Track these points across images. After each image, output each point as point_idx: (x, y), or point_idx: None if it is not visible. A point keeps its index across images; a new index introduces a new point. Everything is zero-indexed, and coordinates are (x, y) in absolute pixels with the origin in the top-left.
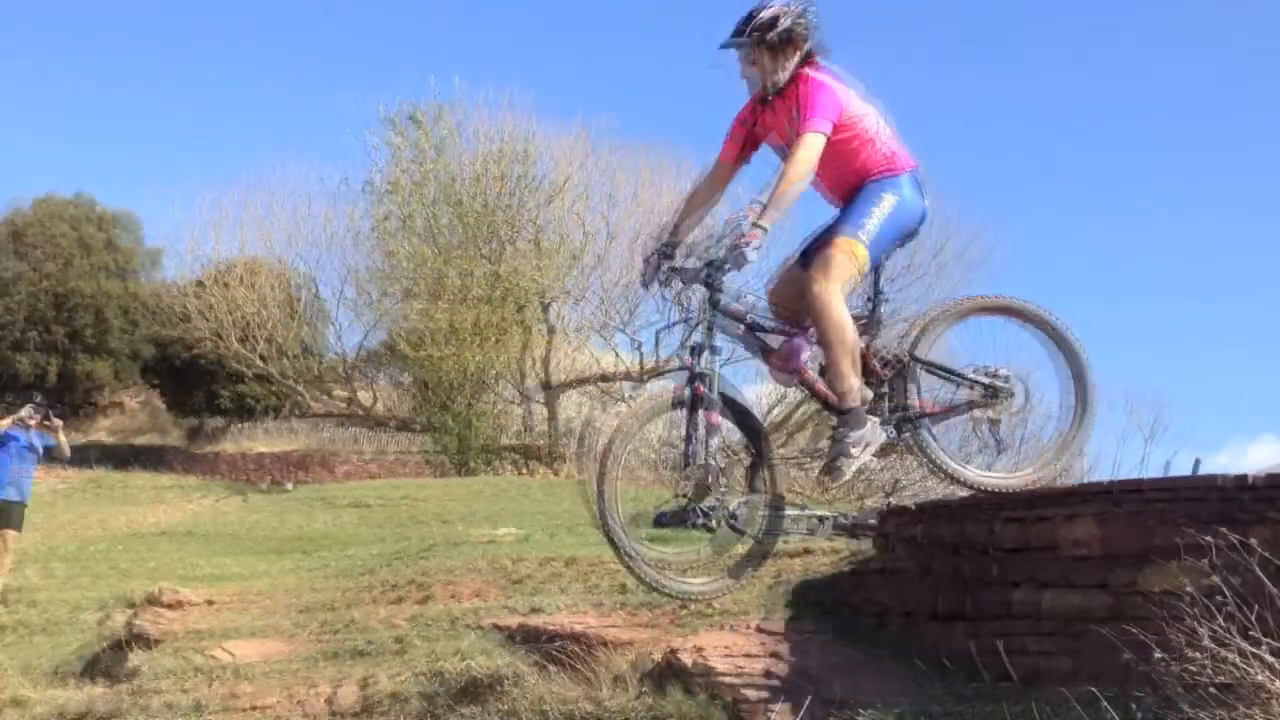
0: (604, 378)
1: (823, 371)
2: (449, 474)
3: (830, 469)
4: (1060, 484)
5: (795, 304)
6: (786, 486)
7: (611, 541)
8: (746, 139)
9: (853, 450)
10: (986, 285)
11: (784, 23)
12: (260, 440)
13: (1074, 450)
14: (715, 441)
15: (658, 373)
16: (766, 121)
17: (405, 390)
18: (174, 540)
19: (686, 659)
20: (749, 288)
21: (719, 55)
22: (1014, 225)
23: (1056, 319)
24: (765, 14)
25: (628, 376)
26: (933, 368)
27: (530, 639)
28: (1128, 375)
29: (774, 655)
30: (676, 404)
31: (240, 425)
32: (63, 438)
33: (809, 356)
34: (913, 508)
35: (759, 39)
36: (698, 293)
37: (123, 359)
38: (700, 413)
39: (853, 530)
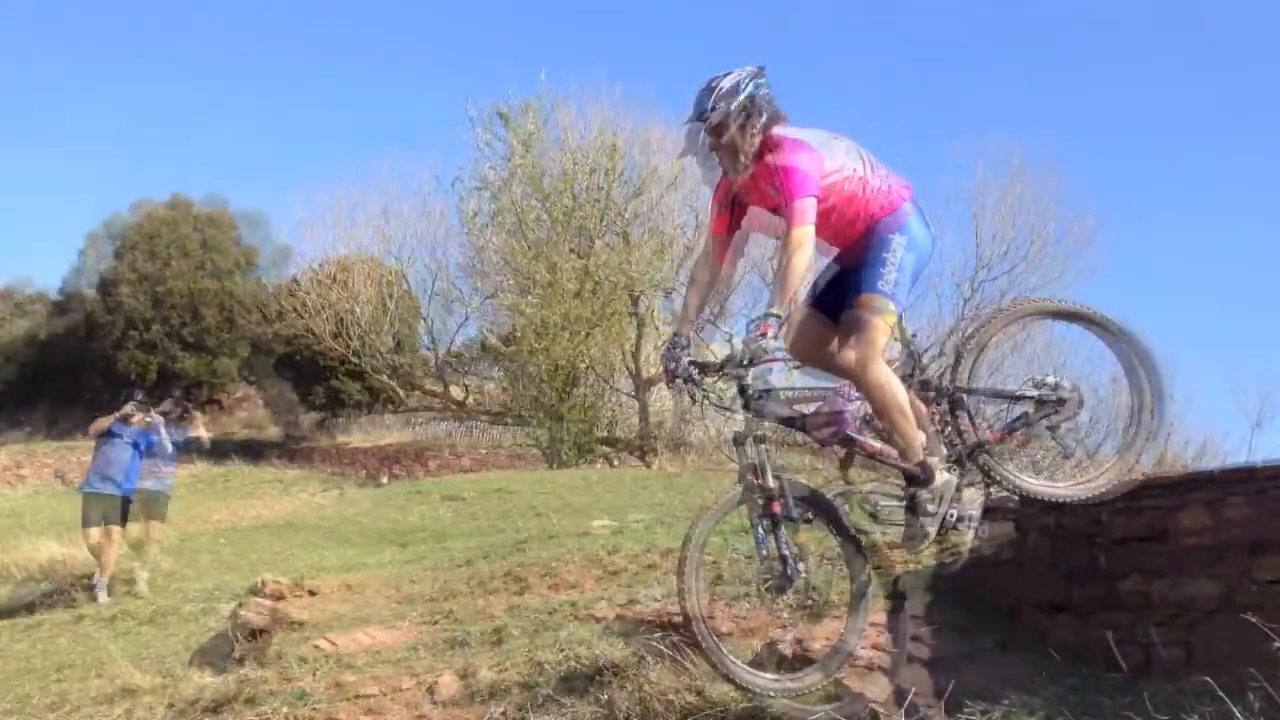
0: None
1: (868, 421)
2: (540, 467)
3: (912, 534)
4: (1169, 473)
5: (816, 351)
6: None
7: (701, 649)
8: (732, 208)
9: (930, 508)
10: (1088, 273)
11: (745, 89)
12: (354, 435)
13: (1142, 443)
14: (784, 532)
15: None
16: (748, 189)
17: (496, 385)
18: (274, 533)
19: (786, 650)
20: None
21: (691, 133)
22: (1123, 214)
23: (1099, 313)
24: (725, 83)
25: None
26: (980, 392)
27: (628, 630)
28: (1232, 362)
29: (876, 647)
30: (739, 502)
31: (334, 420)
32: (203, 430)
33: (852, 414)
34: (1016, 499)
35: (724, 110)
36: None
37: (220, 357)
38: (761, 504)
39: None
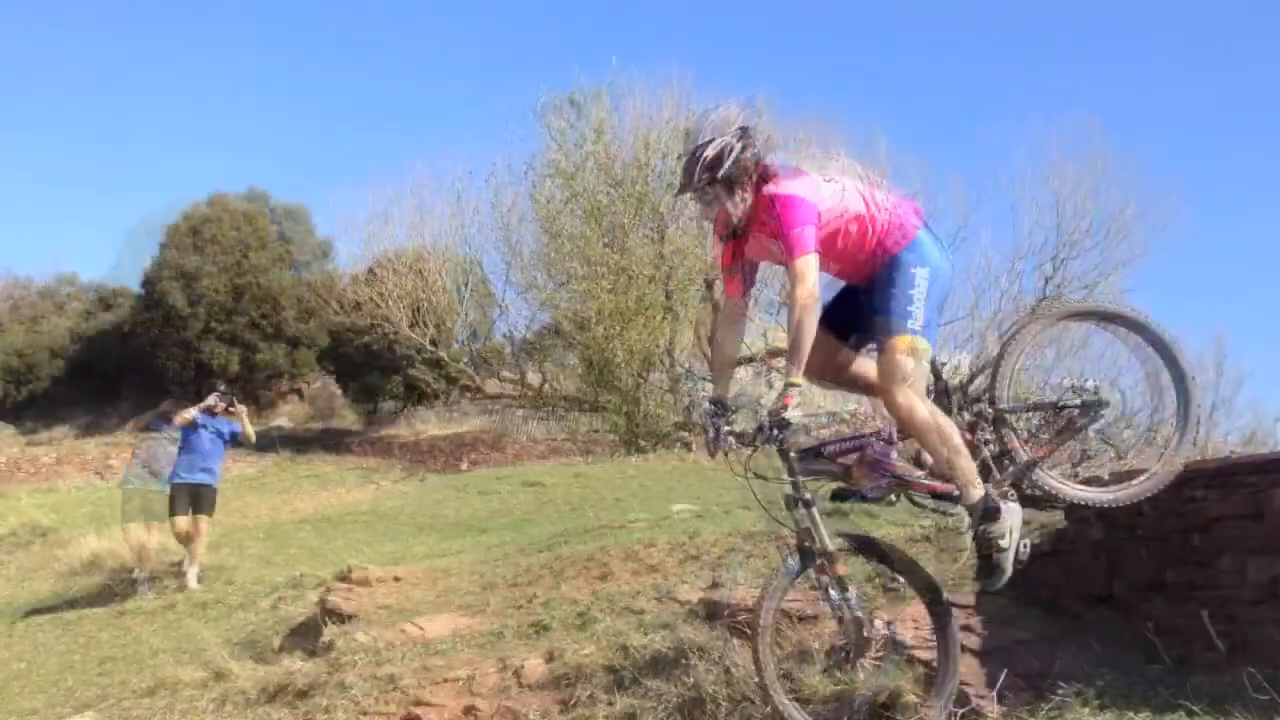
0: (772, 353)
1: (918, 462)
2: (618, 453)
3: (989, 571)
4: (1265, 452)
5: (830, 369)
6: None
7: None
8: (742, 269)
9: (1001, 543)
10: (1169, 251)
11: (730, 155)
12: (432, 423)
13: (1188, 433)
14: (852, 592)
15: None
16: (750, 247)
17: (571, 371)
18: (358, 520)
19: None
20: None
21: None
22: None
23: (1134, 311)
24: (709, 153)
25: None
26: (1019, 409)
27: (712, 613)
28: None
29: (966, 629)
30: (799, 572)
31: (412, 409)
32: (248, 424)
33: (897, 455)
34: (1105, 477)
35: (709, 179)
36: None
37: (299, 347)
38: (825, 568)
39: (1040, 502)
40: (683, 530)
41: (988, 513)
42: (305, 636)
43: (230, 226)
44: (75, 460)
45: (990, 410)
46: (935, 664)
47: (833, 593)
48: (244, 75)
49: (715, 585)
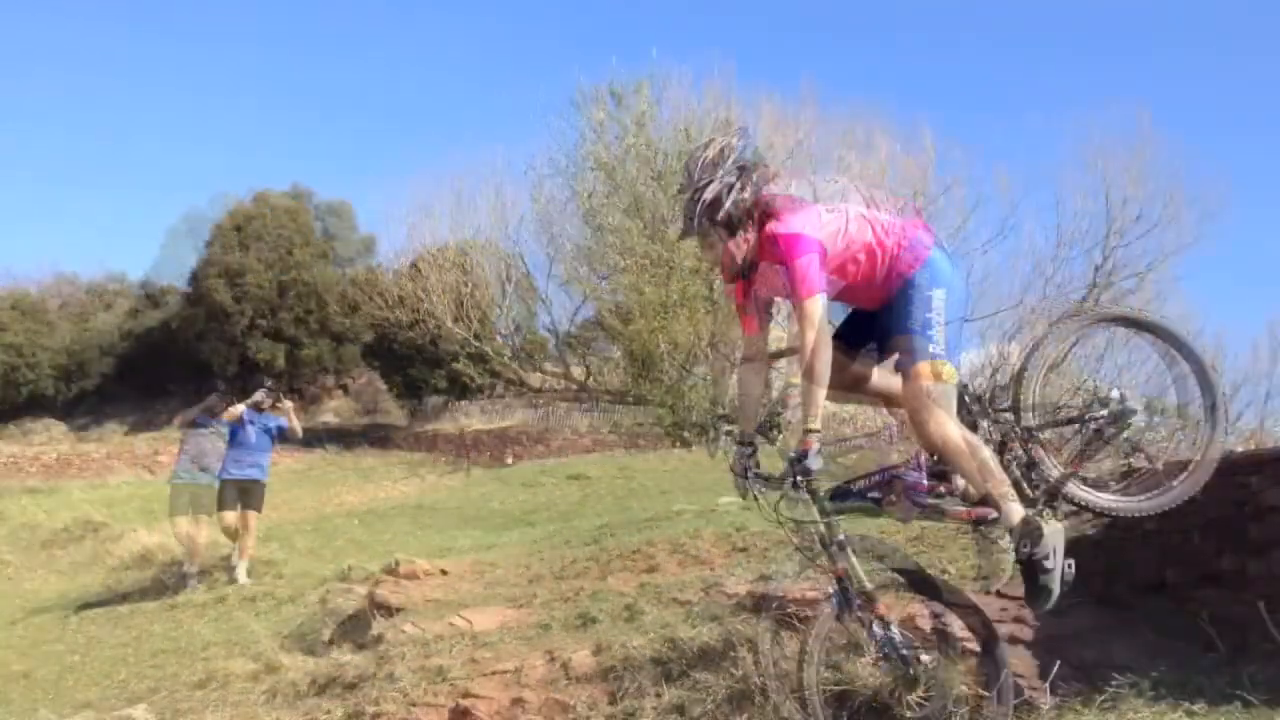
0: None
1: (944, 478)
2: (663, 446)
3: (1036, 594)
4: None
5: (853, 385)
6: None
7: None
8: (756, 306)
9: (1047, 564)
10: (1216, 238)
11: (729, 196)
12: (476, 418)
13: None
14: (896, 631)
15: None
16: (760, 284)
17: (615, 364)
18: (405, 514)
19: (925, 624)
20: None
21: (687, 210)
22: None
23: (1142, 313)
24: (708, 195)
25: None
26: (1047, 427)
27: (759, 606)
28: None
29: (1017, 620)
30: (839, 615)
31: (457, 403)
32: (295, 419)
33: (926, 482)
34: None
35: (710, 221)
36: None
37: (344, 343)
38: (865, 606)
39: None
40: (729, 522)
41: (1029, 535)
42: (354, 629)
43: (274, 223)
44: (125, 455)
45: (1017, 428)
46: (984, 690)
47: (877, 629)
48: (268, 77)
49: (763, 578)
